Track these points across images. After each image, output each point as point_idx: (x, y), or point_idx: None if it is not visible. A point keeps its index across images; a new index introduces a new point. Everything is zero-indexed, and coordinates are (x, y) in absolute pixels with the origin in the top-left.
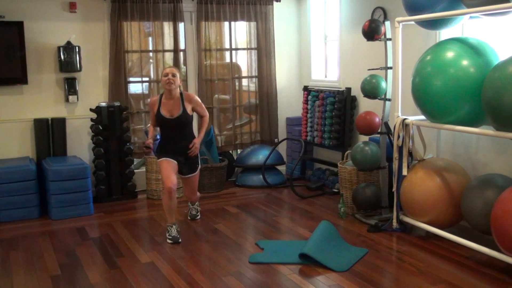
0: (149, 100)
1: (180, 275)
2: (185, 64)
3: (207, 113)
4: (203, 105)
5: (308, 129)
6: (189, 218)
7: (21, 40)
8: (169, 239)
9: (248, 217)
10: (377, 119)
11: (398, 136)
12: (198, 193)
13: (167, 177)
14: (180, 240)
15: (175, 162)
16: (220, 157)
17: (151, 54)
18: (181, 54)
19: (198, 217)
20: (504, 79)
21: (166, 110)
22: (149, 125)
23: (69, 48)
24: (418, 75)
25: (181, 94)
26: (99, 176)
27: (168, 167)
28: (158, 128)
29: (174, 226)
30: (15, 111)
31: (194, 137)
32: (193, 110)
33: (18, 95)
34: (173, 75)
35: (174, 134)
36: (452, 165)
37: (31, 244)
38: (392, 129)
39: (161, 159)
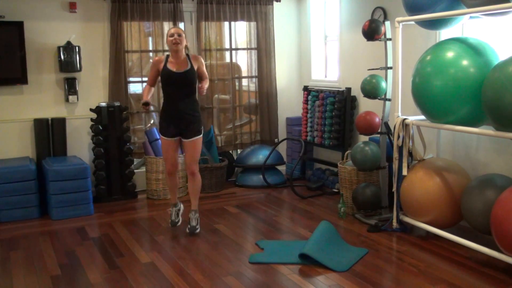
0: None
1: (180, 275)
2: None
3: (207, 76)
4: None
5: (308, 129)
6: (187, 231)
7: (21, 40)
8: (170, 222)
9: (248, 217)
10: (377, 119)
11: (398, 136)
12: (199, 176)
13: (166, 158)
14: (178, 224)
15: (176, 139)
16: (220, 157)
17: (151, 54)
18: None
19: (198, 230)
20: (504, 79)
21: (173, 66)
22: (151, 123)
23: (69, 48)
24: (418, 75)
25: (187, 55)
26: (99, 176)
27: (168, 147)
28: (152, 89)
29: (175, 208)
30: (15, 111)
31: (197, 103)
32: (198, 70)
33: (18, 95)
34: (179, 35)
35: (178, 93)
36: (452, 165)
37: (31, 244)
38: (392, 129)
39: (162, 138)
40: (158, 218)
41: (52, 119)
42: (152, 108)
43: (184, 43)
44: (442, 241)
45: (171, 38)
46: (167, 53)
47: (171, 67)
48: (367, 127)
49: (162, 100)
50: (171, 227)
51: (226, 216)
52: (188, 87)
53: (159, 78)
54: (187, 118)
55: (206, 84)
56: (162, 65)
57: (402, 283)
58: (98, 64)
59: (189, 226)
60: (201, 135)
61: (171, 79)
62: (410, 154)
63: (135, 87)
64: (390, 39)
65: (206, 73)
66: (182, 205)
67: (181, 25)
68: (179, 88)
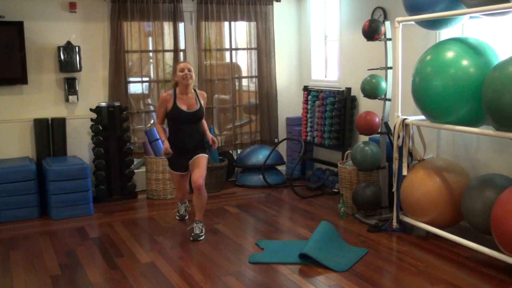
0: (149, 100)
1: (180, 275)
2: None
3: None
4: None
5: (308, 129)
6: (191, 239)
7: (21, 40)
8: (177, 216)
9: (248, 217)
10: (377, 119)
11: (398, 136)
12: (205, 193)
13: (178, 188)
14: (186, 218)
15: (186, 173)
16: (220, 157)
17: (151, 54)
18: (181, 54)
19: (202, 237)
20: (504, 79)
21: (183, 104)
22: (151, 123)
23: (69, 48)
24: (418, 75)
25: (194, 90)
26: (99, 176)
27: (180, 180)
28: (165, 128)
29: (184, 204)
30: (15, 111)
31: (201, 131)
32: None
33: (18, 95)
34: (189, 70)
35: (186, 129)
36: (452, 165)
37: (31, 244)
38: (392, 129)
39: (174, 173)
40: (158, 218)
41: (52, 119)
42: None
43: (193, 77)
44: (442, 241)
45: (182, 74)
46: (172, 88)
47: (182, 105)
48: (367, 127)
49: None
50: (178, 220)
51: (226, 216)
52: (195, 125)
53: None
54: (194, 148)
55: (206, 129)
56: (171, 103)
57: (402, 283)
58: (98, 64)
59: (192, 234)
60: (207, 155)
61: (182, 118)
62: (410, 154)
63: (135, 87)
64: (390, 39)
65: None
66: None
67: (181, 25)
68: (189, 125)
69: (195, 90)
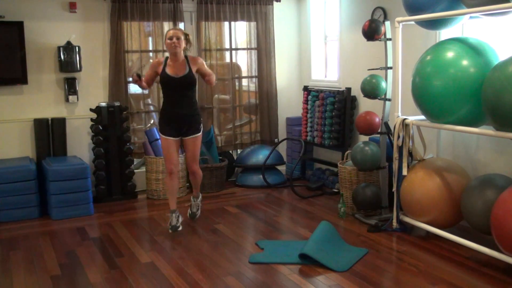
0: (149, 100)
1: (180, 275)
2: None
3: (211, 72)
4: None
5: (308, 129)
6: (188, 216)
7: (21, 40)
8: (169, 228)
9: (248, 217)
10: (377, 119)
11: (398, 136)
12: (200, 172)
13: (168, 158)
14: (180, 229)
15: (176, 140)
16: (220, 157)
17: (151, 54)
18: None
19: (198, 215)
20: (504, 79)
21: (171, 70)
22: (151, 123)
23: (69, 48)
24: (418, 75)
25: (186, 57)
26: (99, 176)
27: (169, 147)
28: (145, 84)
29: (174, 214)
30: (15, 111)
31: (196, 104)
32: (198, 71)
33: (18, 95)
34: (177, 38)
35: (178, 96)
36: (452, 165)
37: (31, 244)
38: (392, 129)
39: (162, 137)
40: (158, 218)
41: (52, 119)
42: (144, 84)
43: (183, 45)
44: (442, 241)
45: (169, 41)
46: (166, 55)
47: (170, 71)
48: (367, 127)
49: (161, 100)
50: (171, 232)
51: (226, 216)
52: (187, 90)
53: (158, 80)
54: (187, 119)
55: (213, 77)
56: (160, 68)
57: (402, 283)
58: (98, 64)
59: (189, 212)
60: (201, 133)
61: (170, 84)
62: (410, 154)
63: (135, 87)
64: (390, 39)
65: (209, 70)
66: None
67: (181, 25)
68: (178, 92)
69: (186, 57)
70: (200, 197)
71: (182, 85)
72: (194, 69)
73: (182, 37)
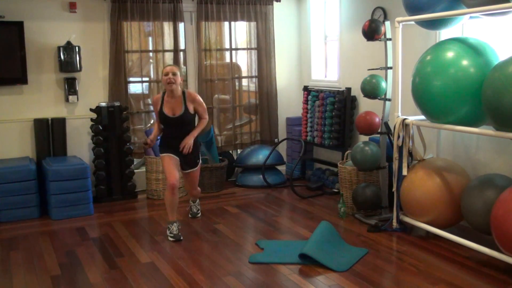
0: (149, 100)
1: (180, 275)
2: (185, 64)
3: (207, 116)
4: (205, 106)
5: (308, 129)
6: (190, 216)
7: (21, 40)
8: (171, 236)
9: (248, 217)
10: (377, 119)
11: (398, 136)
12: (198, 189)
13: (169, 173)
14: (181, 238)
15: (177, 158)
16: (220, 157)
17: (151, 54)
18: (181, 54)
19: (199, 215)
20: (504, 79)
21: (168, 108)
22: (151, 123)
23: (69, 48)
24: (418, 75)
25: (183, 92)
26: (99, 176)
27: (170, 163)
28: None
29: (175, 224)
30: (15, 111)
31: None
32: (195, 109)
33: (18, 95)
34: (174, 74)
35: (175, 132)
36: (452, 165)
37: (31, 244)
38: (392, 129)
39: (163, 154)
40: (158, 218)
41: (52, 119)
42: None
43: (179, 81)
44: (442, 241)
45: (165, 78)
46: (164, 90)
47: (166, 110)
48: (367, 127)
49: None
50: (174, 242)
51: (226, 216)
52: (185, 128)
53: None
54: (186, 154)
55: (196, 132)
56: (158, 106)
57: (402, 283)
58: (98, 64)
59: (190, 212)
60: (199, 166)
61: (167, 122)
62: (410, 154)
63: (135, 87)
64: (390, 39)
65: (205, 111)
66: None
67: (181, 25)
68: (175, 128)
69: (184, 93)
70: (198, 200)
71: (179, 124)
72: (190, 107)
73: (178, 73)
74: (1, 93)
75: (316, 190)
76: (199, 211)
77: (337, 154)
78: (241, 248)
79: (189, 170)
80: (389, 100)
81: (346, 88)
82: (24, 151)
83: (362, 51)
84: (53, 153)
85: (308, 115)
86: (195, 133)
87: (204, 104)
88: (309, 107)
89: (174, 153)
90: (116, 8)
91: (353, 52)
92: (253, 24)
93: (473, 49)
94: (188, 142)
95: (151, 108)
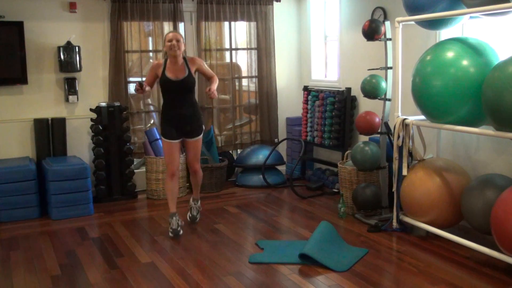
0: (149, 100)
1: (180, 275)
2: None
3: (213, 73)
4: (206, 65)
5: (308, 129)
6: (188, 219)
7: (21, 40)
8: (170, 231)
9: (248, 217)
10: (377, 119)
11: (398, 136)
12: (201, 171)
13: (169, 161)
14: (181, 233)
15: (178, 142)
16: (220, 157)
17: (151, 54)
18: None
19: (198, 219)
20: (504, 79)
21: (171, 73)
22: (151, 123)
23: (69, 48)
24: (418, 75)
25: (184, 58)
26: (99, 176)
27: (172, 150)
28: (148, 88)
29: (174, 218)
30: (15, 111)
31: (196, 104)
32: (198, 71)
33: (18, 95)
34: (177, 40)
35: (177, 99)
36: (452, 165)
37: (31, 244)
38: (392, 129)
39: (164, 140)
40: (158, 218)
41: (52, 119)
42: (147, 89)
43: (183, 48)
44: (442, 241)
45: (169, 44)
46: (166, 57)
47: (169, 74)
48: (367, 127)
49: (161, 100)
50: (173, 237)
51: (226, 216)
52: (187, 93)
53: (158, 82)
54: (188, 120)
55: (215, 85)
56: (160, 70)
57: (402, 283)
58: (98, 64)
59: (189, 215)
60: (202, 134)
61: (170, 87)
62: (410, 154)
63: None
64: (390, 39)
65: (210, 70)
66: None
67: (181, 25)
68: (178, 94)
69: (185, 59)
70: (199, 202)
71: (182, 88)
72: (193, 70)
73: (182, 40)
74: (1, 93)
75: (316, 190)
76: (199, 214)
77: (337, 154)
78: (241, 248)
79: (193, 139)
80: (389, 100)
81: (346, 88)
82: (24, 151)
83: (362, 51)
84: (53, 153)
85: (308, 115)
86: (213, 86)
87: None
88: (309, 107)
89: (176, 133)
90: (116, 8)
91: (353, 52)
92: (253, 24)
93: (473, 49)
94: (214, 88)
95: (151, 108)
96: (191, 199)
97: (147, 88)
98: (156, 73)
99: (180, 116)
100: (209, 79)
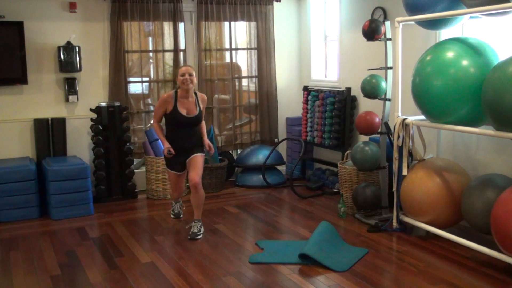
0: (149, 100)
1: (180, 275)
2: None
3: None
4: None
5: (308, 129)
6: (189, 237)
7: (21, 40)
8: (172, 214)
9: (248, 217)
10: (377, 119)
11: (398, 136)
12: (202, 190)
13: (175, 189)
14: (181, 216)
15: (184, 173)
16: (220, 157)
17: (151, 54)
18: (181, 54)
19: (200, 236)
20: (504, 79)
21: (183, 108)
22: (150, 123)
23: (69, 48)
24: (418, 75)
25: (195, 93)
26: (99, 176)
27: (176, 180)
28: (162, 126)
29: (177, 204)
30: (15, 111)
31: (199, 133)
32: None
33: (18, 95)
34: (190, 74)
35: (184, 132)
36: (452, 165)
37: (31, 244)
38: (392, 129)
39: (170, 171)
40: (158, 218)
41: (52, 119)
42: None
43: (195, 82)
44: (442, 241)
45: (182, 78)
46: (174, 89)
47: (182, 109)
48: (367, 127)
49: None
50: (173, 219)
51: (226, 216)
52: (194, 128)
53: (165, 115)
54: (191, 148)
55: (206, 136)
56: (171, 106)
57: (402, 283)
58: (98, 64)
59: (190, 233)
60: (203, 153)
61: (181, 122)
62: (410, 154)
63: (135, 87)
64: (390, 39)
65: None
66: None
67: (181, 25)
68: (186, 129)
69: (195, 94)
70: (201, 222)
71: (192, 124)
72: (202, 107)
73: (194, 73)
74: (1, 93)
75: (316, 190)
76: (201, 231)
77: (337, 154)
78: (241, 248)
79: (194, 155)
80: (389, 100)
81: (346, 88)
82: (24, 151)
83: (362, 51)
84: (53, 153)
85: (308, 115)
86: (205, 137)
87: None
88: (309, 107)
89: (180, 165)
90: (116, 8)
91: (353, 52)
92: (253, 24)
93: (473, 49)
94: (209, 143)
95: (151, 108)
96: (193, 221)
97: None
98: (166, 107)
99: (183, 148)
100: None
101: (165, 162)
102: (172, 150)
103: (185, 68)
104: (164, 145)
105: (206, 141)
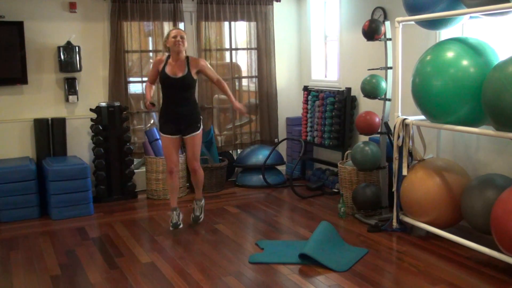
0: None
1: (180, 275)
2: None
3: (217, 75)
4: (212, 69)
5: (308, 129)
6: (191, 219)
7: (21, 40)
8: (171, 225)
9: (248, 217)
10: (377, 119)
11: (398, 136)
12: (201, 170)
13: (168, 158)
14: (181, 226)
15: (176, 138)
16: (220, 157)
17: (151, 54)
18: None
19: (201, 219)
20: (504, 79)
21: (170, 69)
22: (151, 123)
23: (69, 48)
24: (418, 75)
25: (187, 58)
26: (99, 176)
27: (170, 146)
28: (153, 87)
29: (175, 212)
30: (15, 111)
31: (195, 103)
32: (201, 73)
33: (18, 95)
34: (181, 37)
35: (176, 96)
36: (452, 165)
37: (31, 244)
38: (392, 129)
39: (163, 135)
40: (158, 218)
41: (52, 119)
42: (155, 107)
43: (186, 45)
44: (442, 241)
45: (173, 39)
46: (168, 53)
47: (169, 71)
48: (367, 127)
49: (162, 101)
50: (172, 230)
51: (226, 216)
52: (185, 91)
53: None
54: (185, 118)
55: (232, 97)
56: (161, 66)
57: (402, 283)
58: (98, 64)
59: (192, 216)
60: (200, 131)
61: (168, 84)
62: (410, 154)
63: (135, 87)
64: (390, 39)
65: (215, 73)
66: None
67: (181, 25)
68: (176, 91)
69: (187, 58)
70: (203, 200)
71: (180, 86)
72: (193, 71)
73: (185, 37)
74: (1, 93)
75: (316, 190)
76: (202, 214)
77: (337, 154)
78: (241, 248)
79: (190, 135)
80: (389, 100)
81: (346, 88)
82: (24, 151)
83: (362, 51)
84: (53, 153)
85: (308, 115)
86: (232, 98)
87: (211, 67)
88: (309, 107)
89: (173, 129)
90: (116, 8)
91: (353, 52)
92: (253, 24)
93: (473, 49)
94: (238, 106)
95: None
96: (194, 201)
97: (150, 104)
98: (157, 68)
99: (177, 114)
100: (215, 83)
101: (159, 127)
102: (154, 103)
103: (176, 31)
104: (146, 98)
105: (235, 103)
